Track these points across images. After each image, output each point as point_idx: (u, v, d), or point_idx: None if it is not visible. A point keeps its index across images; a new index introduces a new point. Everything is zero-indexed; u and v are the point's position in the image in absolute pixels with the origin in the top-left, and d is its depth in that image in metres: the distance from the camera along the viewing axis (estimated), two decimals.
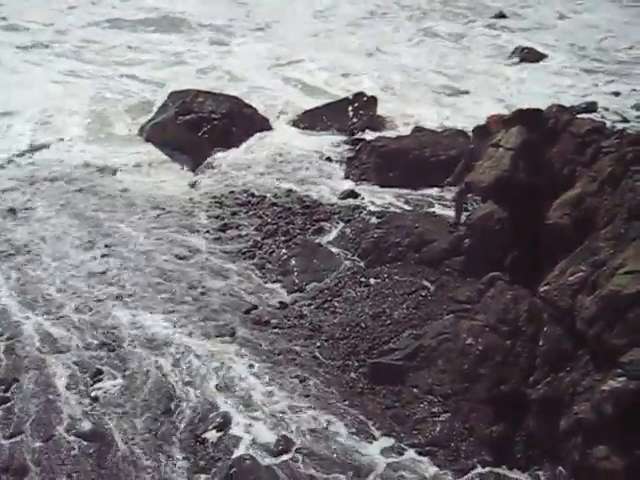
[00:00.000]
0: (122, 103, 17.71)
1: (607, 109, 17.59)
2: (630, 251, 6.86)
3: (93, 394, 8.05)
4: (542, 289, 7.45)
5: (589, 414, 6.40)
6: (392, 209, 11.37)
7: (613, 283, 6.58)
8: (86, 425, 7.61)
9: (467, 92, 19.00)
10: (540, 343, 7.22)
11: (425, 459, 7.23)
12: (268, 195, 12.52)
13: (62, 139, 15.64)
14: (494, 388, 7.21)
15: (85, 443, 7.37)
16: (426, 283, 9.46)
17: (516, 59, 21.55)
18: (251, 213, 12.11)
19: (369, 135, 15.20)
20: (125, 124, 16.69)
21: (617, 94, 18.54)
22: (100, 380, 8.27)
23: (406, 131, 15.14)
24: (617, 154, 8.06)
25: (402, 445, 7.37)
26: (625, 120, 16.45)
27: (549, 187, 8.37)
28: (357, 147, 14.29)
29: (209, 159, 14.44)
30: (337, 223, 11.33)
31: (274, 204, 12.18)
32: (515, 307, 7.39)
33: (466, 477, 7.01)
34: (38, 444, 7.34)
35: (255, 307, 9.71)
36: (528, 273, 8.28)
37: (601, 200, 7.84)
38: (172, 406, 7.88)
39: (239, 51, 22.22)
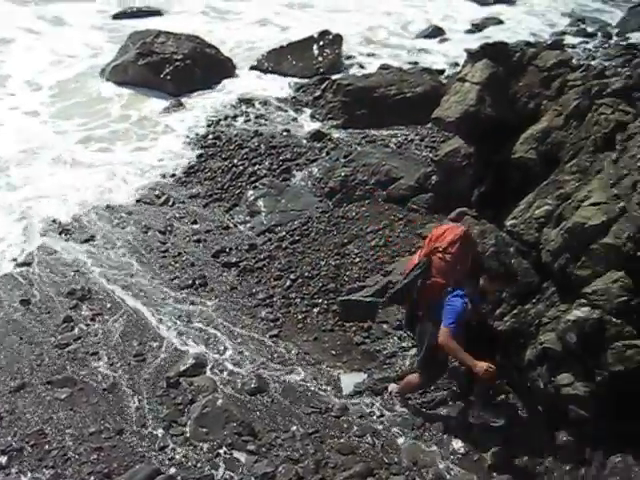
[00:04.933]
0: None
1: (574, 46, 17.61)
2: (595, 184, 6.90)
3: (64, 342, 8.00)
4: (508, 223, 7.48)
5: (554, 343, 6.53)
6: (359, 148, 11.27)
7: (578, 215, 6.61)
8: (57, 373, 7.59)
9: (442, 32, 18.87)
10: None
11: None
12: (234, 137, 12.32)
13: None
14: None
15: (58, 390, 7.35)
16: (394, 220, 9.48)
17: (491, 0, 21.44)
18: (217, 156, 11.94)
19: (335, 74, 15.03)
20: None
21: (588, 34, 18.55)
22: (71, 328, 8.22)
23: (372, 69, 15.00)
24: (582, 87, 8.03)
25: (373, 379, 7.50)
26: (592, 57, 16.50)
27: (516, 121, 8.33)
28: (323, 86, 14.09)
29: (173, 101, 14.16)
30: (304, 163, 11.23)
31: (240, 146, 11.99)
32: (482, 241, 7.41)
33: (435, 409, 7.18)
34: (8, 394, 7.32)
35: (223, 250, 9.67)
36: (495, 208, 8.31)
37: (567, 134, 7.83)
38: (143, 351, 7.87)
39: None
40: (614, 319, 6.21)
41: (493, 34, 18.06)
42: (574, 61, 8.99)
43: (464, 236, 6.44)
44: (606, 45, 17.59)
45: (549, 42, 16.92)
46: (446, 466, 6.58)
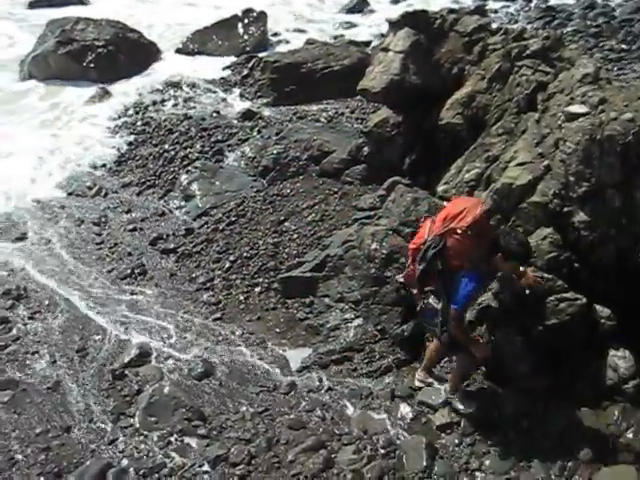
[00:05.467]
0: None
1: (496, 11, 17.88)
2: (520, 144, 7.07)
3: (1, 343, 7.80)
4: (440, 189, 7.63)
5: (491, 302, 6.70)
6: (290, 124, 11.23)
7: (506, 176, 6.78)
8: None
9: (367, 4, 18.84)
10: None
11: (342, 365, 7.46)
12: (163, 122, 12.12)
13: None
14: (401, 289, 7.39)
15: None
16: (329, 194, 9.51)
17: None
18: (147, 142, 11.73)
19: (262, 52, 14.91)
20: None
21: None
22: (8, 329, 8.01)
23: (299, 45, 14.92)
24: (503, 50, 8.18)
25: (318, 353, 7.56)
26: (515, 21, 16.78)
27: (441, 88, 8.45)
28: (250, 65, 13.96)
29: (98, 90, 13.81)
30: (236, 144, 11.13)
31: (170, 130, 11.81)
32: (415, 209, 7.53)
33: (382, 377, 7.27)
34: None
35: (160, 237, 9.56)
36: (427, 175, 8.45)
37: (491, 97, 8.00)
38: (86, 346, 7.73)
39: None
40: (546, 274, 6.41)
41: (417, 3, 18.15)
42: (495, 25, 9.15)
43: (485, 217, 6.00)
44: (527, 8, 17.91)
45: (472, 8, 17.11)
46: (396, 432, 6.68)
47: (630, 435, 6.24)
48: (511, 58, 7.97)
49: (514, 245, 5.73)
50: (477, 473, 6.23)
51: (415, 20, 8.63)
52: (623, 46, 13.72)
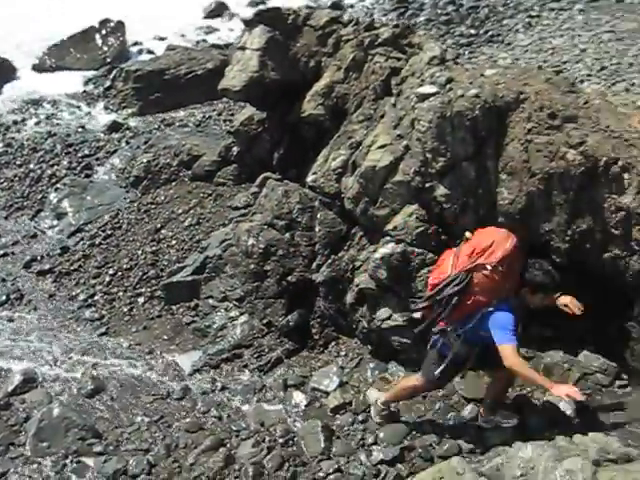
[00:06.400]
0: None
1: (352, 5, 18.33)
2: (380, 128, 7.32)
3: None
4: (309, 179, 7.78)
5: (368, 283, 6.93)
6: (158, 132, 11.15)
7: (369, 160, 7.01)
8: None
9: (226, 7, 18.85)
10: (316, 230, 7.59)
11: (233, 363, 7.52)
12: (26, 142, 11.73)
13: None
14: (282, 281, 7.53)
15: None
16: (203, 197, 9.52)
17: None
18: (11, 163, 11.33)
19: (123, 62, 14.66)
20: None
21: None
22: None
23: (160, 52, 14.79)
24: (356, 40, 8.43)
25: (208, 354, 7.57)
26: (371, 14, 17.24)
27: (301, 81, 8.60)
28: (112, 76, 13.72)
29: None
30: (105, 157, 10.94)
31: (34, 149, 11.46)
32: (287, 201, 7.67)
33: (273, 369, 7.38)
34: None
35: (34, 259, 9.28)
36: (297, 167, 8.59)
37: (349, 86, 8.22)
38: None
39: None
40: (416, 249, 6.70)
41: (275, 3, 18.29)
42: (347, 17, 9.39)
43: (516, 251, 5.39)
44: (381, 1, 18.45)
45: (329, 4, 17.53)
46: (292, 420, 6.80)
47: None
48: (364, 47, 8.21)
49: (540, 276, 5.33)
50: (374, 447, 6.42)
51: (269, 17, 8.74)
52: (472, 31, 14.41)
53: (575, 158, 5.91)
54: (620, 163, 5.78)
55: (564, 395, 4.92)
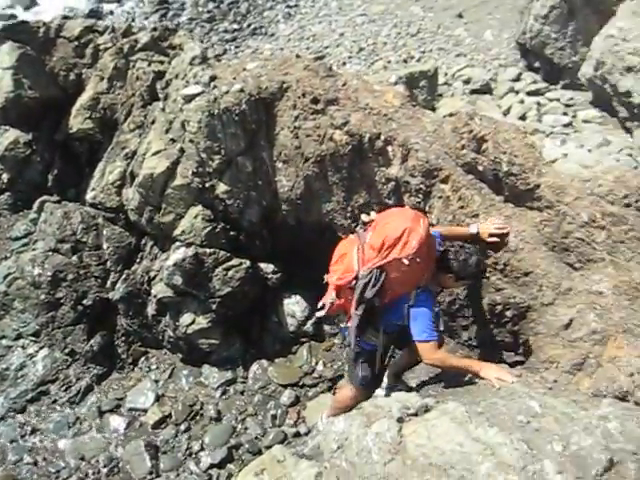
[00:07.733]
0: None
1: (112, 12, 17.82)
2: (152, 134, 7.19)
3: None
4: (88, 196, 7.50)
5: (165, 291, 6.82)
6: None
7: (145, 168, 6.86)
8: None
9: None
10: (105, 247, 7.32)
11: (40, 401, 7.10)
12: None
13: None
14: (78, 306, 7.20)
15: None
16: None
17: None
18: None
19: None
20: None
21: None
22: None
23: None
24: (115, 48, 8.20)
25: (11, 399, 7.05)
26: (132, 19, 16.85)
27: (63, 96, 8.24)
28: None
29: None
30: None
31: None
32: (69, 223, 7.32)
33: (85, 397, 7.07)
34: None
35: None
36: (75, 186, 8.24)
37: (115, 95, 7.99)
38: None
39: None
40: (207, 250, 6.70)
41: (28, 15, 17.32)
42: (106, 24, 9.09)
43: (429, 234, 4.80)
44: (141, 5, 18.10)
45: (86, 12, 16.92)
46: (114, 445, 6.58)
47: (320, 367, 6.88)
48: (125, 54, 8.02)
49: (471, 268, 4.84)
50: (201, 453, 6.42)
51: (17, 32, 8.25)
52: (235, 26, 14.62)
53: (342, 138, 6.18)
54: (382, 137, 6.12)
55: (494, 379, 4.53)
